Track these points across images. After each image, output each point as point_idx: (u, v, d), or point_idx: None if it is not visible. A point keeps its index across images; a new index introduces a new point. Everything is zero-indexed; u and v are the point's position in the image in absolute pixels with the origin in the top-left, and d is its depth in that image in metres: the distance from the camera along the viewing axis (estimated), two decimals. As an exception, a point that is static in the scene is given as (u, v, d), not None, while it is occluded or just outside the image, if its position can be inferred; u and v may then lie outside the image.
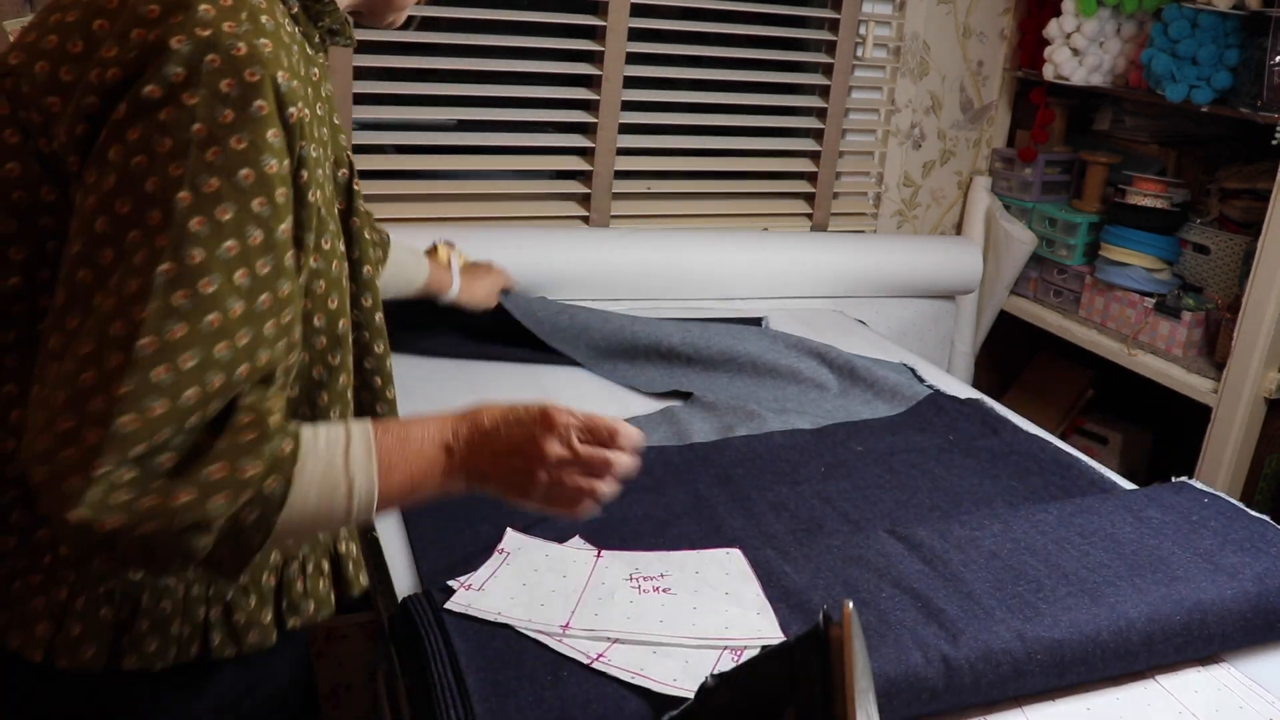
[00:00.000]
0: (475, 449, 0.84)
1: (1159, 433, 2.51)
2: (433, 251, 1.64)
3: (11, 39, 1.58)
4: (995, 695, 0.97)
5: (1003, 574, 1.09)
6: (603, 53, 2.08)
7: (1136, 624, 1.02)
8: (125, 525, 0.68)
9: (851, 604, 0.69)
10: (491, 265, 1.78)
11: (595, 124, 2.12)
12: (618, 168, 2.17)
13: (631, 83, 2.14)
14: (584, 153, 2.16)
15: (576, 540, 1.14)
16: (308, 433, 0.77)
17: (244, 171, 0.72)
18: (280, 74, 0.74)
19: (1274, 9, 1.87)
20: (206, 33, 0.71)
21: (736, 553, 1.12)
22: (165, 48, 0.71)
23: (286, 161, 0.75)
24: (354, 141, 1.94)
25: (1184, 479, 1.36)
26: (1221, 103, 1.97)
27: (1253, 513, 1.26)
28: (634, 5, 2.07)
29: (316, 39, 0.89)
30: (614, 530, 1.18)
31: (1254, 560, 1.14)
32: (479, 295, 1.71)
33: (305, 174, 0.78)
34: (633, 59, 2.11)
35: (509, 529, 1.14)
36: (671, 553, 1.13)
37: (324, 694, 1.20)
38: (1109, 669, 1.02)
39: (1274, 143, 1.86)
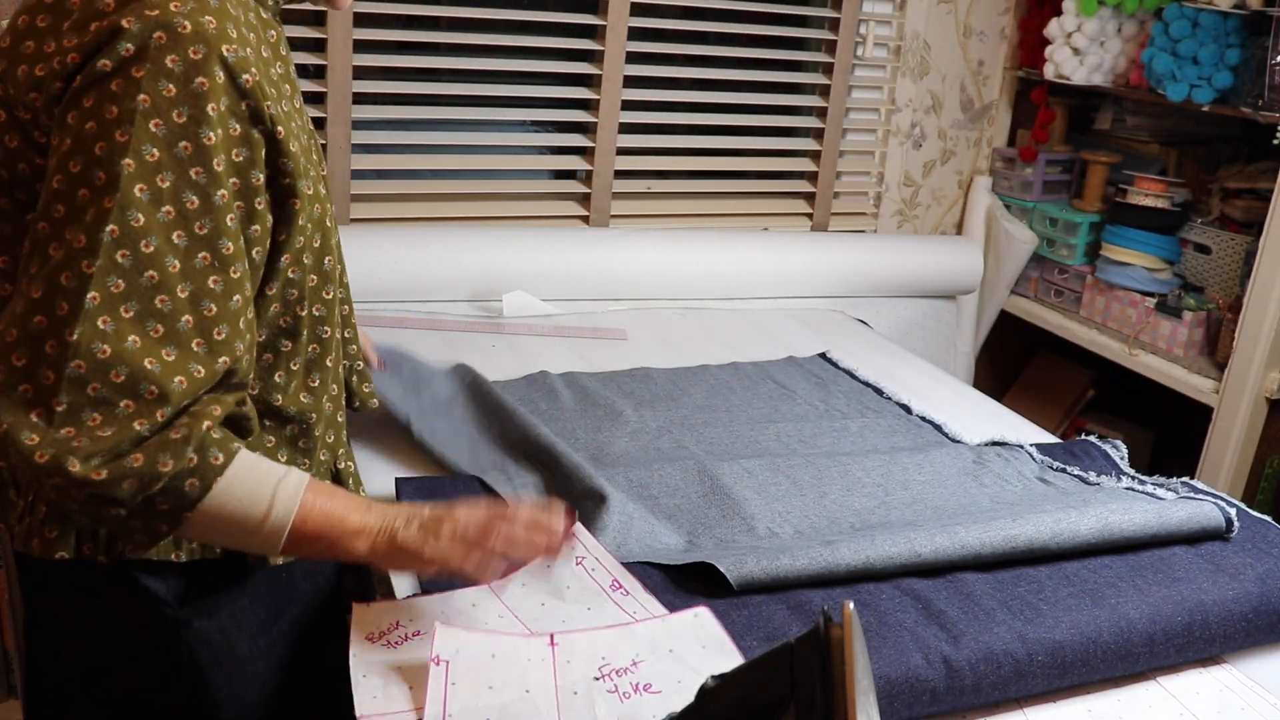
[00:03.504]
0: (413, 523, 0.93)
1: (1160, 433, 2.51)
2: None
3: None
4: (996, 696, 0.97)
5: (1003, 575, 1.09)
6: (603, 52, 2.08)
7: (1138, 625, 1.02)
8: (50, 466, 0.76)
9: (852, 604, 0.69)
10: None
11: (595, 124, 2.12)
12: (618, 167, 2.16)
13: (631, 82, 2.14)
14: (584, 152, 2.16)
15: (515, 600, 1.02)
16: (247, 456, 0.85)
17: (183, 143, 0.79)
18: (226, 47, 0.80)
19: (1275, 8, 1.87)
20: (154, 13, 0.78)
21: (705, 613, 1.01)
22: (118, 27, 0.78)
23: (226, 130, 0.81)
24: (353, 141, 1.94)
25: (1185, 479, 1.36)
26: (1222, 102, 1.97)
27: (1254, 513, 1.26)
28: (634, 5, 2.07)
29: (270, 1, 0.95)
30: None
31: (1255, 561, 1.13)
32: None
33: (281, 129, 0.85)
34: (633, 58, 2.11)
35: (437, 624, 0.94)
36: (635, 626, 0.98)
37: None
38: (1110, 670, 1.01)
39: (1275, 142, 1.85)
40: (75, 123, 0.78)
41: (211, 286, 0.82)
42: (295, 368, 0.97)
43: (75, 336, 0.77)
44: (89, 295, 0.77)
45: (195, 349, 0.81)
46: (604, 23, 2.06)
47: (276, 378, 0.96)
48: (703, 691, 0.78)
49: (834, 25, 2.28)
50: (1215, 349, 2.09)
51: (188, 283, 0.81)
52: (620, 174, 2.19)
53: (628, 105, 2.14)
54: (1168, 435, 2.49)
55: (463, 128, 2.10)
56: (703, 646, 0.97)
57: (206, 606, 0.97)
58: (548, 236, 2.04)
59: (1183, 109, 2.07)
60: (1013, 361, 2.72)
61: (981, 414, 1.68)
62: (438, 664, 0.91)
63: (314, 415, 1.00)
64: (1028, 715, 0.98)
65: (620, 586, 1.04)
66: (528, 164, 2.18)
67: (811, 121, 2.35)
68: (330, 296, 0.99)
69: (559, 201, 2.19)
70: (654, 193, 2.27)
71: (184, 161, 0.79)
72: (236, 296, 0.84)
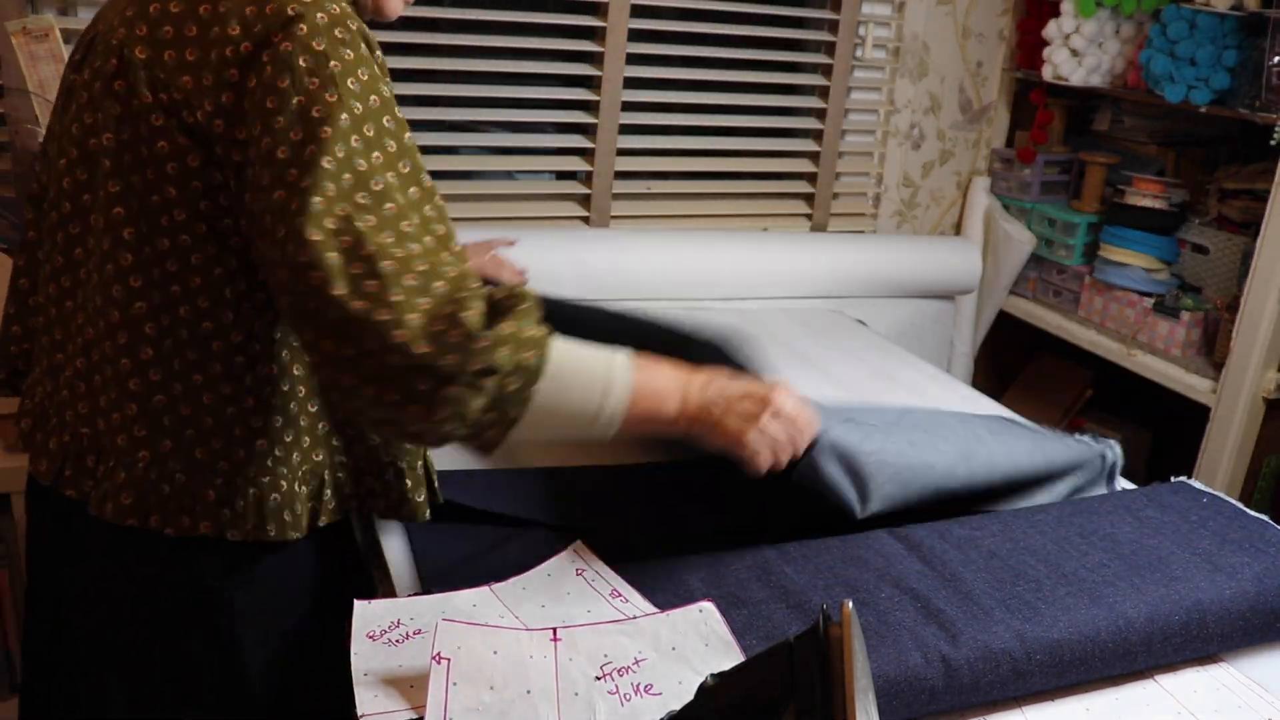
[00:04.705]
0: (709, 387, 1.01)
1: (1158, 433, 2.51)
2: None
3: (14, 41, 1.59)
4: (995, 695, 0.97)
5: (1002, 574, 1.09)
6: (603, 53, 2.08)
7: (1135, 624, 1.03)
8: (432, 353, 0.83)
9: (851, 604, 0.70)
10: (487, 245, 1.67)
11: (595, 124, 2.12)
12: (618, 168, 2.17)
13: (631, 83, 2.14)
14: (584, 153, 2.17)
15: (515, 601, 1.04)
16: (560, 340, 0.93)
17: (373, 97, 0.89)
18: (363, 26, 0.92)
19: (1272, 10, 1.88)
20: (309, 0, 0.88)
21: (709, 608, 1.01)
22: (285, 13, 0.87)
23: (388, 88, 0.92)
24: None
25: (1183, 479, 1.36)
26: (1220, 103, 1.98)
27: (1251, 512, 1.26)
28: (634, 6, 2.07)
29: None
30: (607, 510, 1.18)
31: (1253, 560, 1.14)
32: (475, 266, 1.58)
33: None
34: (633, 60, 2.12)
35: (439, 620, 0.95)
36: (639, 620, 0.99)
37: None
38: (1108, 669, 1.02)
39: (1272, 143, 1.86)
40: (278, 103, 0.85)
41: (429, 214, 0.91)
42: None
43: (369, 249, 0.84)
44: (356, 224, 0.85)
45: (446, 259, 0.89)
46: (604, 24, 2.06)
47: None
48: (702, 690, 0.78)
49: (833, 27, 2.28)
50: (1213, 349, 2.10)
51: (414, 213, 0.89)
52: (620, 175, 2.19)
53: (628, 106, 2.14)
54: (1166, 435, 2.50)
55: (463, 129, 2.11)
56: (705, 644, 0.97)
57: (248, 582, 1.02)
58: (548, 237, 2.05)
59: (1180, 110, 2.08)
60: (1011, 362, 2.73)
61: (980, 414, 1.69)
62: (439, 662, 0.91)
63: None
64: (1026, 714, 0.98)
65: (619, 594, 1.04)
66: (528, 165, 2.18)
67: (811, 123, 2.35)
68: None
69: (559, 202, 2.20)
70: (654, 193, 2.27)
71: (377, 112, 0.89)
72: (443, 225, 0.93)
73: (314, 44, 0.87)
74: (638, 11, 2.09)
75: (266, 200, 0.85)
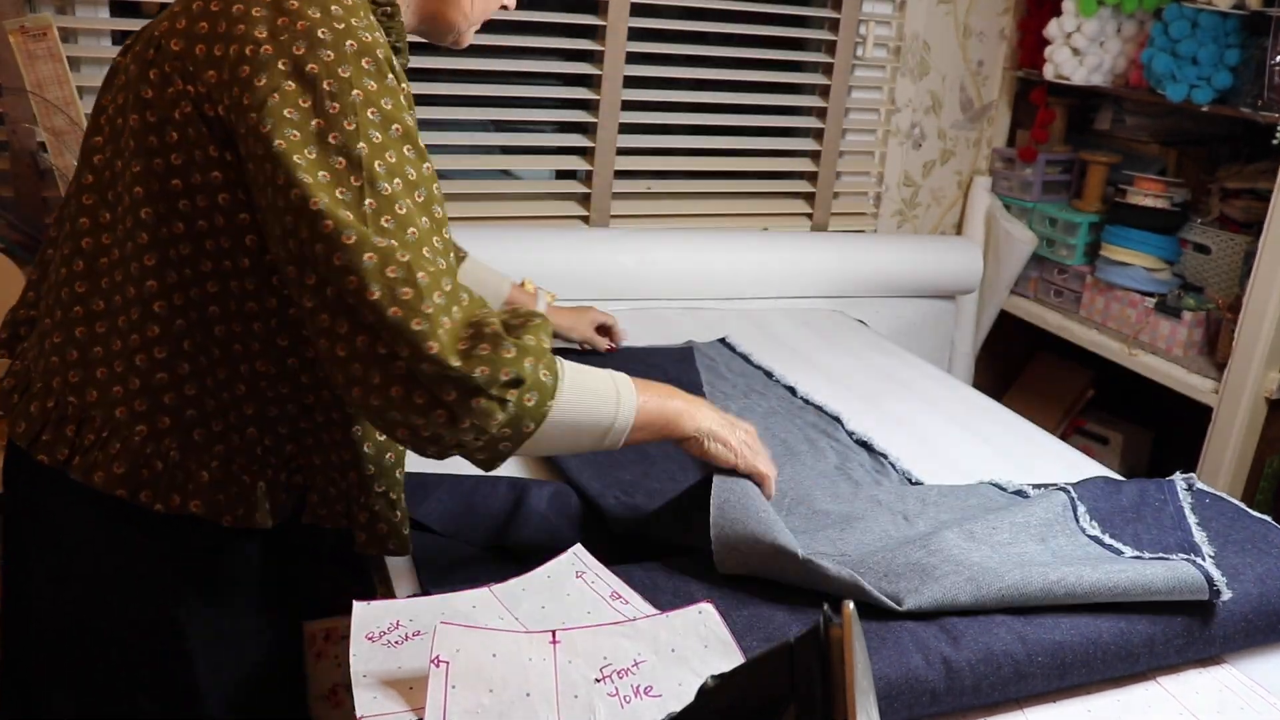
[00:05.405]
0: (698, 402, 1.09)
1: (1159, 433, 2.51)
2: (520, 285, 1.62)
3: (11, 40, 1.58)
4: (996, 697, 0.97)
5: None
6: (603, 52, 2.08)
7: (1137, 625, 1.02)
8: (464, 366, 0.86)
9: (852, 604, 0.69)
10: (590, 309, 1.75)
11: (595, 124, 2.12)
12: (618, 168, 2.17)
13: (631, 82, 2.14)
14: (584, 152, 2.16)
15: (515, 602, 1.03)
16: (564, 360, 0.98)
17: (395, 126, 0.91)
18: (393, 58, 0.94)
19: (1274, 9, 1.87)
20: (341, 25, 0.90)
21: (709, 609, 1.00)
22: (314, 34, 0.89)
23: (412, 120, 0.95)
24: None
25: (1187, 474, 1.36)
26: (1222, 102, 1.97)
27: (1254, 513, 1.26)
28: (634, 5, 2.07)
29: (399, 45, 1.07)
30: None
31: (1255, 561, 1.14)
32: (568, 324, 1.69)
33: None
34: (633, 59, 2.11)
35: (438, 624, 0.93)
36: (638, 622, 0.98)
37: (323, 694, 1.21)
38: (1110, 670, 1.01)
39: (1274, 142, 1.86)
40: (298, 117, 0.88)
41: (438, 245, 0.92)
42: None
43: (402, 261, 0.86)
44: (376, 247, 0.87)
45: (461, 285, 0.92)
46: (604, 23, 2.06)
47: None
48: (702, 691, 0.78)
49: (834, 25, 2.28)
50: (1215, 349, 2.09)
51: (433, 238, 0.91)
52: (620, 174, 2.19)
53: (628, 105, 2.14)
54: (1167, 435, 2.49)
55: (463, 128, 2.10)
56: (705, 645, 0.97)
57: (205, 580, 1.03)
58: (548, 236, 2.04)
59: (1182, 109, 2.07)
60: (1012, 361, 2.72)
61: (981, 414, 1.69)
62: (438, 665, 0.90)
63: None
64: (1027, 715, 0.98)
65: (619, 596, 1.04)
66: (528, 164, 2.18)
67: (811, 122, 2.35)
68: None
69: (559, 201, 2.19)
70: (654, 193, 2.27)
71: (399, 140, 0.91)
72: (449, 258, 0.95)
73: (340, 70, 0.89)
74: (638, 10, 2.08)
75: (286, 202, 0.87)
